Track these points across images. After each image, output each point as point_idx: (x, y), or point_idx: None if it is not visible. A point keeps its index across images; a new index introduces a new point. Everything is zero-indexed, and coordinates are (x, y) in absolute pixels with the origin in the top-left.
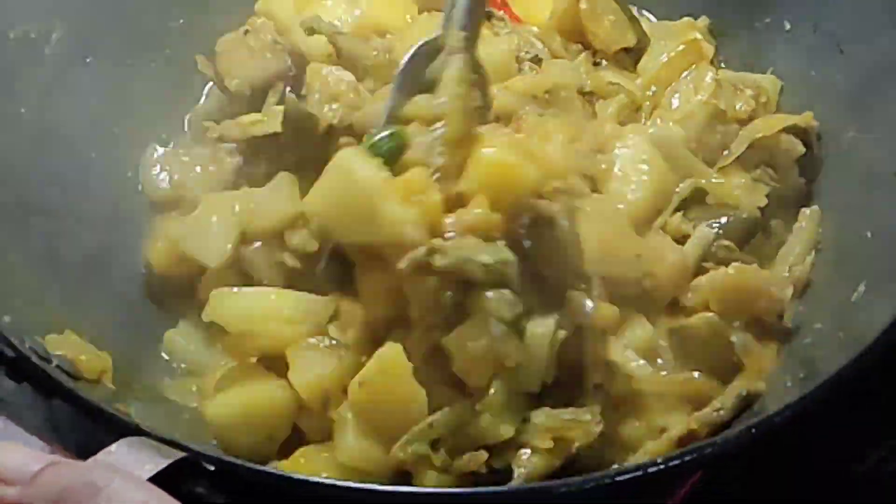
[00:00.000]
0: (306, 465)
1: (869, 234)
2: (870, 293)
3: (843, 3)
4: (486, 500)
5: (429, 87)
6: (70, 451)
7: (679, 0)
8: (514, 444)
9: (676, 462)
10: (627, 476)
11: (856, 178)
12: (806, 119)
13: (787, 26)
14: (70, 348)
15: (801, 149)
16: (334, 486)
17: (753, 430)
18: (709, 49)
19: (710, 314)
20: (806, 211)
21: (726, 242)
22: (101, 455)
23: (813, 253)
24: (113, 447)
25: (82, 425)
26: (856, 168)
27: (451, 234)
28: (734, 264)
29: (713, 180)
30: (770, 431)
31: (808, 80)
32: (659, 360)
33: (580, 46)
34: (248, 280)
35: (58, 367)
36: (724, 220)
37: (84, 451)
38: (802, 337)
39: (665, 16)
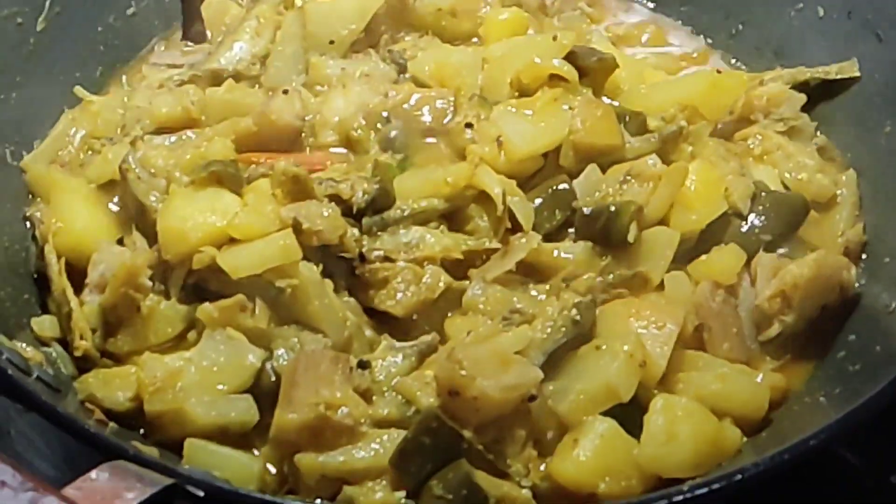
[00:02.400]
0: None
1: None
2: None
3: None
4: None
5: None
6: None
7: None
8: None
9: (703, 490)
10: None
11: (893, 175)
12: None
13: (821, 13)
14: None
15: None
16: None
17: (786, 456)
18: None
19: None
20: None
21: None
22: (79, 482)
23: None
24: (94, 473)
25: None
26: (893, 165)
27: None
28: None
29: None
30: (804, 455)
31: None
32: None
33: None
34: None
35: (38, 378)
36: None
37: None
38: (836, 350)
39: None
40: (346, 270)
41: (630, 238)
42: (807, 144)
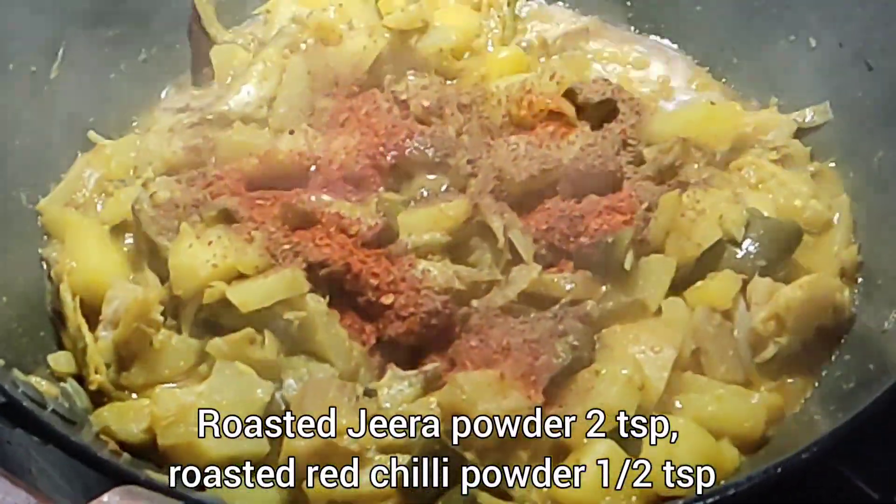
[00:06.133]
0: None
1: None
2: None
3: (868, 18)
4: None
5: None
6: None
7: (703, 22)
8: None
9: None
10: None
11: (886, 200)
12: None
13: (813, 44)
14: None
15: None
16: None
17: (779, 470)
18: None
19: None
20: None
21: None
22: None
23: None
24: (105, 497)
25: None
26: (886, 190)
27: None
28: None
29: None
30: (797, 469)
31: (835, 100)
32: None
33: None
34: None
35: (53, 411)
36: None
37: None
38: (832, 370)
39: (696, 45)
40: (352, 301)
41: (626, 266)
42: (801, 171)
